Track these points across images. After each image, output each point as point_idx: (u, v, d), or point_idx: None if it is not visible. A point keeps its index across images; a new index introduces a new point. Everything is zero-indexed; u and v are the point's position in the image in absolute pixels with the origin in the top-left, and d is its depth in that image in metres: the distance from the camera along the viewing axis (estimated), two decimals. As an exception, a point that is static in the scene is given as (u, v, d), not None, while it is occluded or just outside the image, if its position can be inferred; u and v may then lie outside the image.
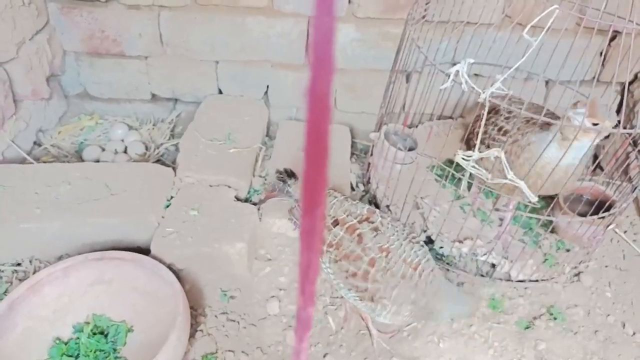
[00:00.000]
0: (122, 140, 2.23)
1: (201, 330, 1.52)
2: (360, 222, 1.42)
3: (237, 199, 1.83)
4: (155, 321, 1.44)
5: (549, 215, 1.57)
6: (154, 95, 2.33)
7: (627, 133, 1.78)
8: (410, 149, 1.92)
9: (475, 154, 1.48)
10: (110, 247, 1.65)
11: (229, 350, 1.50)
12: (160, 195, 1.76)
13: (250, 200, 1.89)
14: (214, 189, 1.81)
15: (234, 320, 1.57)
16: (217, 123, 2.08)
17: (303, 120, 1.90)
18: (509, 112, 1.67)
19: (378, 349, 1.54)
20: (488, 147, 1.54)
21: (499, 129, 1.60)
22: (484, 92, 1.35)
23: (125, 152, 2.19)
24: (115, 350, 1.43)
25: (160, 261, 1.54)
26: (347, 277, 1.38)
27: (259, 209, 1.76)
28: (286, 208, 1.75)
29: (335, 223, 1.43)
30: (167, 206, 1.73)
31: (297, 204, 1.58)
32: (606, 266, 1.86)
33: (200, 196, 1.76)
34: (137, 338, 1.47)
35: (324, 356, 1.53)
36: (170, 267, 1.57)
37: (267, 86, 2.25)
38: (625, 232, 1.99)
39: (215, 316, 1.57)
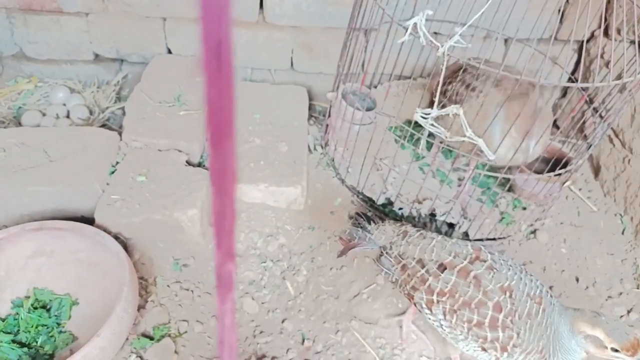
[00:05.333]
0: (64, 105, 2.08)
1: (152, 301, 1.45)
2: (471, 262, 1.25)
3: (189, 163, 1.73)
4: (101, 293, 1.36)
5: (506, 174, 1.56)
6: (97, 56, 2.17)
7: (583, 89, 1.78)
8: (369, 109, 1.86)
9: (434, 111, 1.44)
10: (50, 217, 1.54)
11: (183, 320, 1.44)
12: (105, 161, 1.65)
13: (203, 165, 1.80)
14: (163, 153, 1.71)
15: (187, 289, 1.51)
16: (166, 84, 1.96)
17: (257, 81, 1.79)
18: (477, 70, 1.63)
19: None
20: (456, 102, 1.50)
21: (467, 86, 1.56)
22: (442, 46, 1.30)
23: (67, 116, 2.04)
24: (59, 324, 1.35)
25: (105, 230, 1.45)
26: (471, 328, 1.21)
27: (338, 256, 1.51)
28: (372, 257, 1.57)
29: (443, 268, 1.25)
30: (112, 172, 1.62)
31: (384, 251, 1.38)
32: (561, 223, 1.88)
33: (149, 161, 1.66)
34: (83, 311, 1.39)
35: (283, 322, 1.50)
36: (116, 237, 1.48)
37: (219, 45, 2.13)
38: (580, 189, 2.02)
39: (168, 286, 1.50)
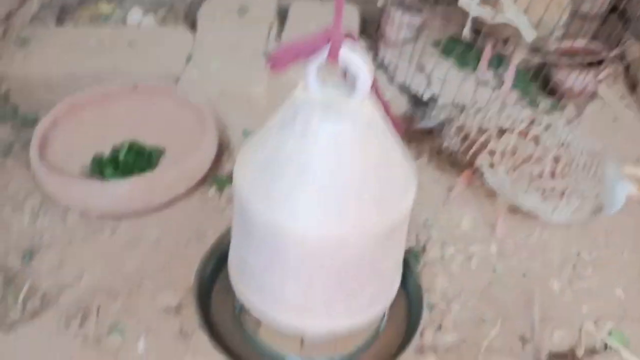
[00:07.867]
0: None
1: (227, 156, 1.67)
2: (529, 124, 1.39)
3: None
4: (185, 146, 1.55)
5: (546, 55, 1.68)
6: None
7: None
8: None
9: (479, -9, 1.59)
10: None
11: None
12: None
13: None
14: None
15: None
16: None
17: None
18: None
19: None
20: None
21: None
22: None
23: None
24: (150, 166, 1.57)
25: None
26: (532, 181, 1.36)
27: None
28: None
29: (501, 132, 1.39)
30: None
31: (445, 125, 1.53)
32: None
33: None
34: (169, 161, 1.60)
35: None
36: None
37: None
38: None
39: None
